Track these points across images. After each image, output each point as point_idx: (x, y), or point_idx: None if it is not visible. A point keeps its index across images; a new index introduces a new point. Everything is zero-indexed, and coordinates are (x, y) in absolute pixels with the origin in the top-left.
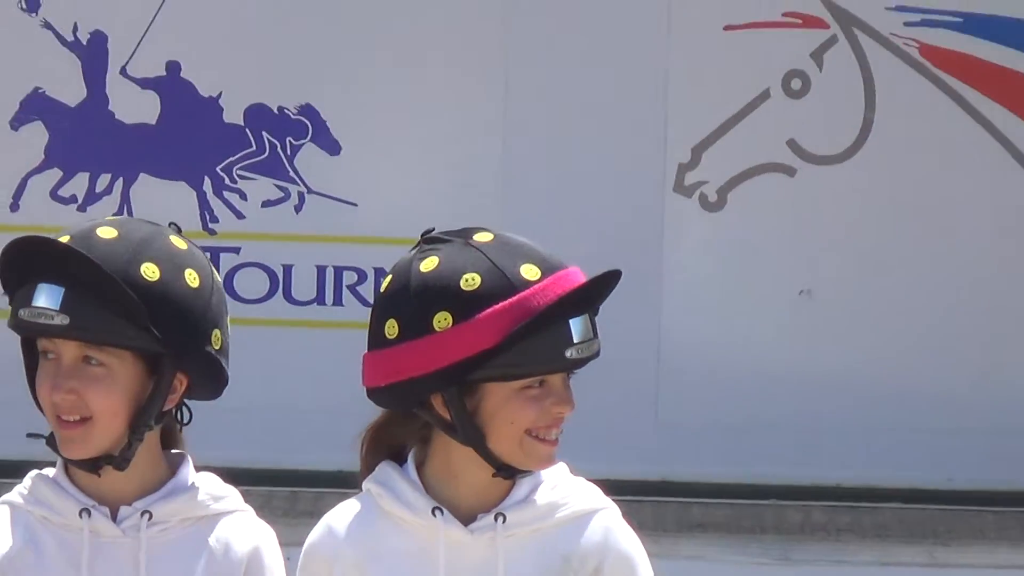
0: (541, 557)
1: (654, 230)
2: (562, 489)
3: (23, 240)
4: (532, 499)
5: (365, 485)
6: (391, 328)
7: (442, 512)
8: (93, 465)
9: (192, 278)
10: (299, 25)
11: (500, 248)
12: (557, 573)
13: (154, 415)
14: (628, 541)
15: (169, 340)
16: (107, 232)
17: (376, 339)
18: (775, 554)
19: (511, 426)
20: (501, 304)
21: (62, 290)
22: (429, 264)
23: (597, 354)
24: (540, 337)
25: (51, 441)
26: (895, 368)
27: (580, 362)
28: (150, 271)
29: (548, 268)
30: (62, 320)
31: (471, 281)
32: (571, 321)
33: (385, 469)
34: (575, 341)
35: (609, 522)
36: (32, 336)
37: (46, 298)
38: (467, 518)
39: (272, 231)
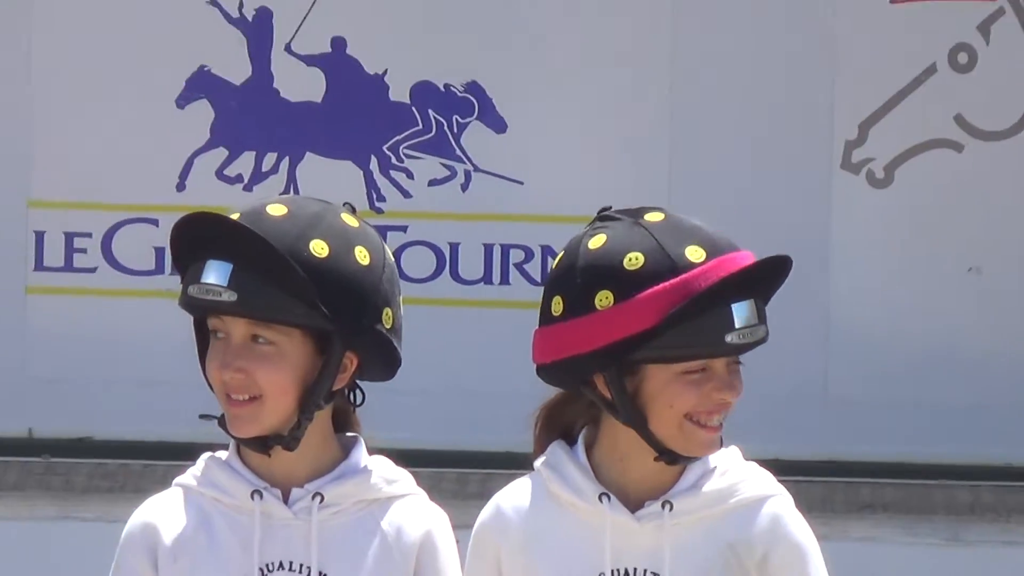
0: (707, 545)
1: (822, 208)
2: (732, 475)
3: (192, 217)
4: (701, 486)
5: (536, 466)
6: (557, 305)
7: (609, 498)
8: (263, 445)
9: (362, 255)
10: (465, 1)
11: (668, 228)
12: (723, 561)
13: (323, 394)
14: (798, 530)
15: (338, 318)
16: (277, 209)
17: (544, 316)
18: (945, 535)
19: (670, 410)
20: (662, 285)
21: (230, 267)
22: (597, 242)
23: (762, 340)
24: (700, 320)
25: (223, 422)
26: None
27: (741, 348)
28: (319, 248)
29: (715, 250)
30: (230, 296)
31: (634, 260)
32: (734, 305)
33: (556, 451)
34: (736, 326)
35: (779, 510)
36: (201, 314)
37: (215, 275)
38: (635, 504)
39: (438, 210)
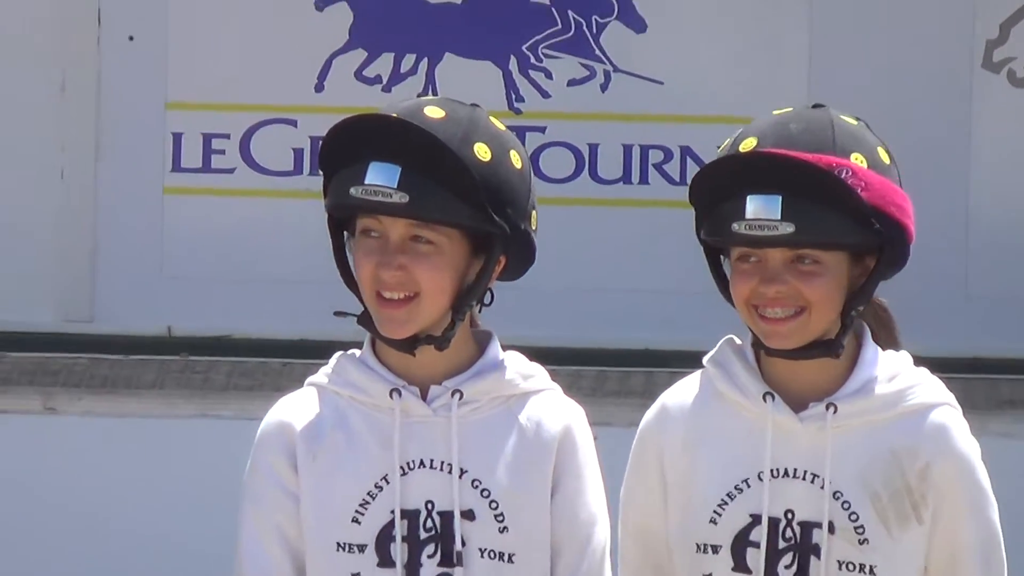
0: (870, 450)
1: (962, 107)
2: (901, 381)
3: (357, 118)
4: (867, 390)
5: (704, 362)
6: None
7: (773, 398)
8: (411, 345)
9: (516, 159)
10: None
11: (760, 122)
12: (884, 467)
13: (481, 294)
14: (965, 443)
15: (501, 220)
16: (435, 112)
17: None
18: None
19: (735, 296)
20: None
21: (399, 169)
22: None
23: (790, 240)
24: (720, 207)
25: (363, 320)
26: None
27: (753, 240)
28: (483, 151)
29: (765, 143)
30: (400, 198)
31: (718, 149)
32: (749, 196)
33: (724, 348)
34: (747, 216)
35: (947, 420)
36: (362, 214)
37: (383, 176)
38: (800, 405)
39: (578, 110)
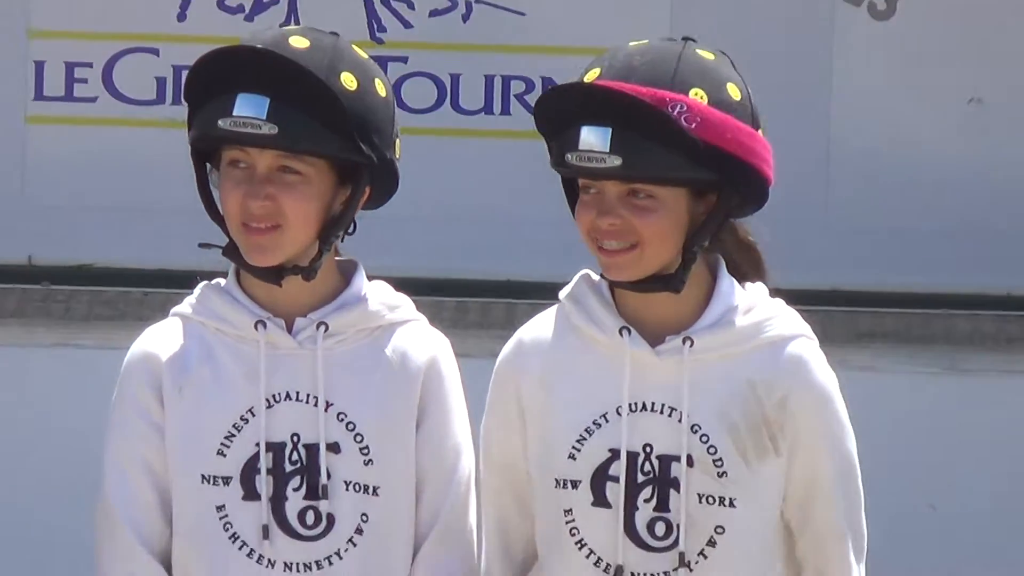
0: (727, 382)
1: (824, 39)
2: (757, 313)
3: (222, 50)
4: (723, 323)
5: (560, 296)
6: None
7: (629, 332)
8: (277, 275)
9: (380, 87)
10: None
11: (611, 52)
12: (742, 399)
13: (348, 224)
14: (822, 374)
15: (368, 149)
16: (299, 41)
17: None
18: (944, 363)
19: (579, 226)
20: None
21: (267, 100)
22: None
23: (619, 173)
24: (559, 135)
25: (229, 251)
26: None
27: (583, 171)
28: (349, 80)
29: (607, 74)
30: (270, 129)
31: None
32: (583, 128)
33: (580, 283)
34: (579, 148)
35: (804, 352)
36: (228, 145)
37: (251, 108)
38: (656, 338)
39: (439, 40)
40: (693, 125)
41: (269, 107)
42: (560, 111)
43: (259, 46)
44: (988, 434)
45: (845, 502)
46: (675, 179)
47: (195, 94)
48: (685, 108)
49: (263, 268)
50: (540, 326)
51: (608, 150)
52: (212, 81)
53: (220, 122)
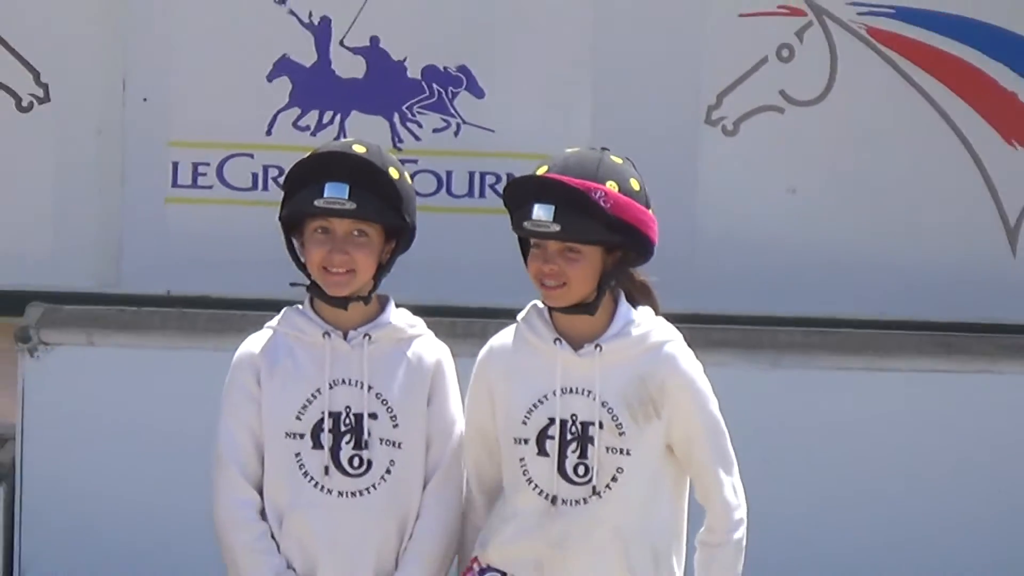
0: (625, 375)
1: (690, 152)
2: (644, 327)
3: (317, 155)
4: (622, 334)
5: (517, 318)
6: None
7: (560, 342)
8: (345, 303)
9: (407, 178)
10: (459, 8)
11: (555, 155)
12: (635, 385)
13: (390, 269)
14: (688, 364)
15: (409, 219)
16: (360, 148)
17: None
18: (768, 363)
19: (529, 272)
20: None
21: (347, 186)
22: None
23: (557, 233)
24: (519, 210)
25: (312, 287)
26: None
27: (535, 233)
28: (394, 172)
29: (552, 169)
30: (351, 206)
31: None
32: (535, 204)
33: (530, 309)
34: (532, 217)
35: (674, 351)
36: (312, 218)
37: (337, 191)
38: (578, 345)
39: (438, 148)
40: (608, 205)
41: (349, 191)
42: (520, 193)
43: (340, 150)
44: (803, 420)
45: (713, 442)
46: (594, 241)
47: (292, 184)
48: (603, 194)
49: (338, 298)
50: (503, 337)
51: (552, 220)
52: (307, 175)
53: (316, 202)
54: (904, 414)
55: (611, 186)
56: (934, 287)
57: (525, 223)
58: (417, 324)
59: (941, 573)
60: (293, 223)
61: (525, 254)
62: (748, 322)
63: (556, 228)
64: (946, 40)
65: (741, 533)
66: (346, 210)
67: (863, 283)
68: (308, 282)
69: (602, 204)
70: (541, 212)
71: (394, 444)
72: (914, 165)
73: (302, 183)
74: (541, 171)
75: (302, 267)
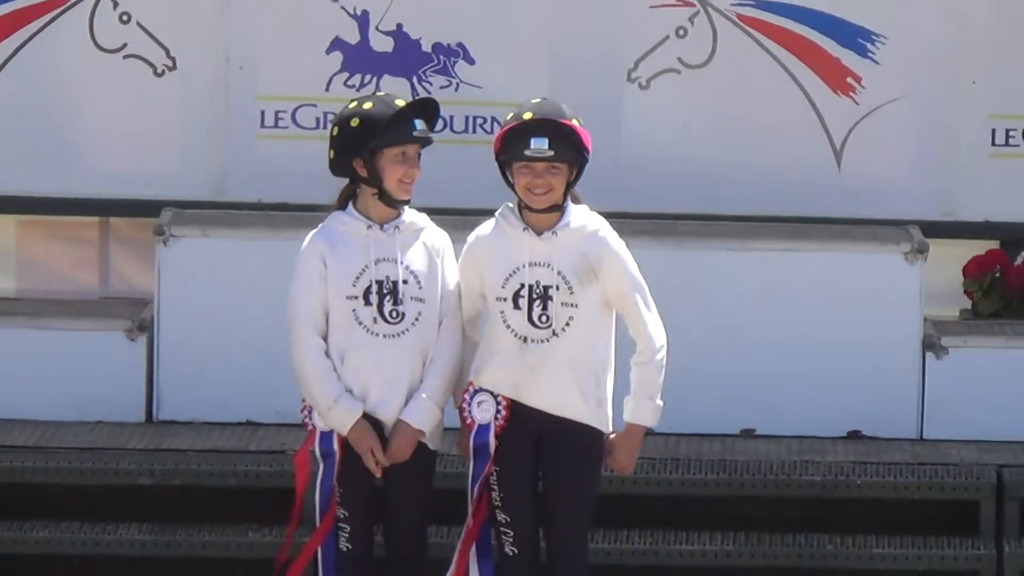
0: (573, 252)
1: (617, 100)
2: (584, 218)
3: (420, 101)
4: (570, 224)
5: (496, 214)
6: None
7: (527, 230)
8: (402, 203)
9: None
10: (458, 2)
11: (530, 103)
12: (580, 259)
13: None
14: (615, 242)
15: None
16: (400, 101)
17: None
18: (673, 246)
19: (519, 185)
20: (509, 126)
21: (422, 122)
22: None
23: (552, 157)
24: (515, 142)
25: (383, 194)
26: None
27: (534, 159)
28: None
29: (539, 113)
30: (429, 134)
31: (509, 116)
32: (532, 137)
33: (505, 207)
34: (531, 147)
35: (605, 234)
36: (397, 144)
37: (420, 128)
38: (539, 232)
39: (444, 99)
40: (579, 135)
41: (423, 125)
42: (517, 133)
43: (400, 101)
44: (698, 285)
45: (638, 292)
46: (570, 160)
47: (378, 124)
48: (574, 128)
49: (403, 201)
50: (486, 227)
51: (547, 147)
52: (395, 116)
53: (415, 132)
54: (762, 280)
55: (576, 122)
56: (783, 191)
57: (527, 151)
58: (426, 218)
59: (791, 395)
60: (371, 151)
61: (504, 175)
62: (656, 217)
63: (551, 153)
64: (792, 22)
65: (663, 355)
66: (425, 138)
67: (735, 189)
68: (376, 192)
69: (578, 134)
70: (539, 143)
71: (419, 300)
72: (770, 109)
73: (391, 122)
74: (528, 115)
75: (360, 180)
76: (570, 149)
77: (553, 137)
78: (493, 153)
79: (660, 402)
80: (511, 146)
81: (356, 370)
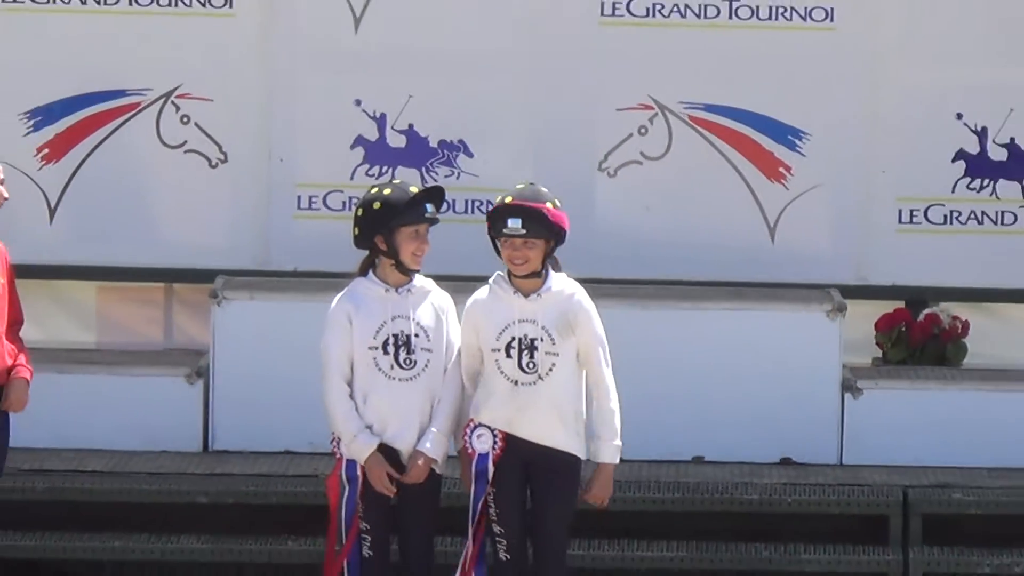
0: (554, 311)
1: (589, 187)
2: (562, 284)
3: (429, 188)
4: (552, 288)
5: (489, 280)
6: None
7: (517, 293)
8: (413, 272)
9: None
10: (459, 109)
11: (513, 189)
12: (560, 318)
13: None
14: (587, 305)
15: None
16: (413, 188)
17: None
18: (638, 307)
19: (504, 256)
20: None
21: (431, 206)
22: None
23: (525, 234)
24: (498, 222)
25: (398, 264)
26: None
27: (512, 236)
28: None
29: (519, 198)
30: (437, 215)
31: (497, 200)
32: (508, 218)
33: (497, 276)
34: (508, 227)
35: (580, 297)
36: (413, 223)
37: (430, 210)
38: (527, 295)
39: (448, 187)
40: (550, 217)
41: (432, 208)
42: (499, 213)
43: (415, 188)
44: (658, 340)
45: (600, 345)
46: (545, 237)
47: (398, 205)
48: (546, 211)
49: (414, 270)
50: (482, 292)
51: (520, 227)
52: (410, 201)
53: (426, 214)
54: (710, 333)
55: (550, 205)
56: (727, 261)
57: (504, 230)
58: (431, 283)
59: (733, 427)
60: (390, 229)
61: (495, 247)
62: (623, 282)
63: (524, 231)
64: (734, 122)
65: (616, 402)
66: (434, 219)
67: (688, 258)
68: (394, 262)
69: (548, 216)
70: (515, 223)
71: (428, 350)
72: (716, 193)
73: (408, 204)
74: (509, 200)
75: (379, 252)
76: (541, 228)
77: (526, 218)
78: (486, 230)
79: (619, 442)
80: (495, 224)
81: (376, 408)
